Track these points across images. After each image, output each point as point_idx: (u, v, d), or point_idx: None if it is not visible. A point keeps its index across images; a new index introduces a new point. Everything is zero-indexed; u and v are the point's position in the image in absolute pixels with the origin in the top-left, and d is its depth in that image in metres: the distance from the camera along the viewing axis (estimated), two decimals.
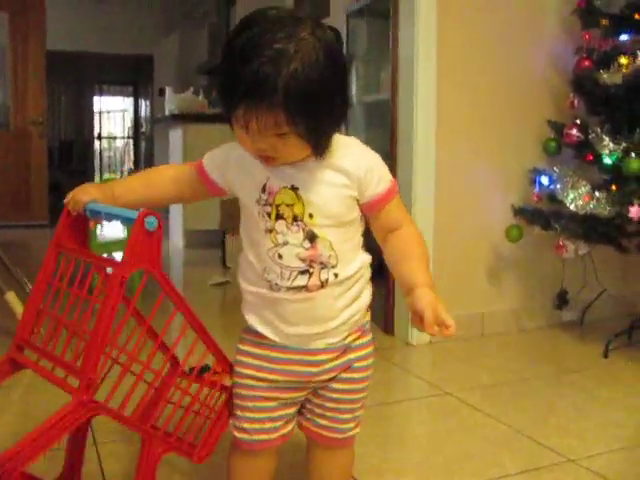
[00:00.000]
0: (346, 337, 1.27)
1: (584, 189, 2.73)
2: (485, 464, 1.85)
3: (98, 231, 3.95)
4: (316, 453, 1.39)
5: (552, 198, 2.87)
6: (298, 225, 1.19)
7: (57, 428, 1.07)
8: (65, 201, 1.28)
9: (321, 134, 1.14)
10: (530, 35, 3.10)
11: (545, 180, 2.90)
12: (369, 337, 1.34)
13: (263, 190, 1.20)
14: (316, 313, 1.22)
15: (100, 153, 13.88)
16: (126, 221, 1.17)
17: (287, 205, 1.19)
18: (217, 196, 1.34)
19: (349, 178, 1.20)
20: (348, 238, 1.23)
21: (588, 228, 2.72)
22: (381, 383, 2.50)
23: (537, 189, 2.94)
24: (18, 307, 2.85)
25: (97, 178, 12.72)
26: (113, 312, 1.11)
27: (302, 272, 1.20)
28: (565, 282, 3.18)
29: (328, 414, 1.32)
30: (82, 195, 1.26)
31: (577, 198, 2.72)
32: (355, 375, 1.31)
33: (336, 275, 1.21)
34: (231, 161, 1.26)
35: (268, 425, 1.29)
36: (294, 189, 1.19)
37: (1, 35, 7.23)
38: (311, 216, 1.18)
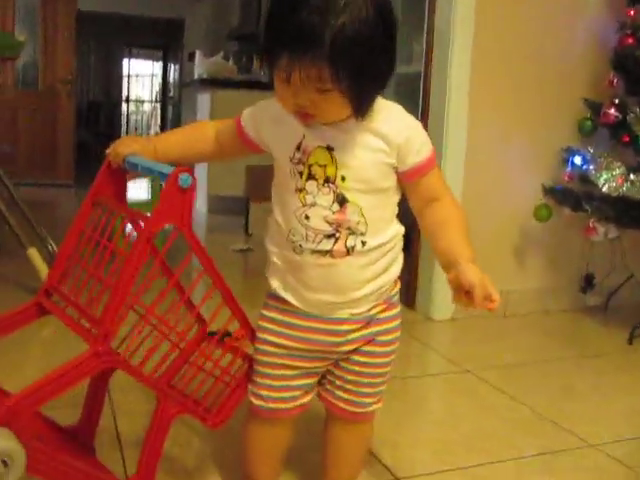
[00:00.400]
0: (371, 308, 1.24)
1: (618, 171, 2.66)
2: (502, 444, 1.83)
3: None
4: (334, 426, 1.36)
5: (584, 179, 2.81)
6: (329, 187, 1.15)
7: (72, 375, 1.07)
8: (107, 152, 1.26)
9: (364, 94, 1.10)
10: (571, 10, 3.01)
11: (578, 160, 2.84)
12: (396, 310, 1.30)
13: (298, 148, 1.17)
14: (339, 281, 1.19)
15: (127, 116, 13.90)
16: (160, 176, 1.15)
17: (320, 165, 1.15)
18: (254, 153, 1.31)
19: (388, 144, 1.15)
20: (380, 206, 1.19)
21: (620, 211, 2.66)
22: (400, 357, 2.42)
23: (569, 169, 2.87)
24: (39, 263, 2.85)
25: None
26: (138, 265, 1.10)
27: (328, 236, 1.16)
28: (592, 265, 3.13)
29: (348, 387, 1.29)
30: (123, 147, 1.24)
31: (610, 180, 2.66)
32: (378, 349, 1.27)
33: (364, 243, 1.17)
34: (267, 117, 1.23)
35: (286, 394, 1.27)
36: (329, 149, 1.15)
37: None
38: (343, 179, 1.15)
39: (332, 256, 1.17)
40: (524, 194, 3.01)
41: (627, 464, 1.75)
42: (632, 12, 2.80)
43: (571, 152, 2.89)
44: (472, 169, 2.90)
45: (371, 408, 1.32)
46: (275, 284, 1.26)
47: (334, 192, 1.15)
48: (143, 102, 14.15)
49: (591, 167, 2.75)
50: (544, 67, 2.99)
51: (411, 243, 2.99)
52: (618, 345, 2.74)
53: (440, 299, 2.91)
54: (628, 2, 2.83)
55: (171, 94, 12.59)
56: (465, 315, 2.95)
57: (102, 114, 12.67)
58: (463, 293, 1.14)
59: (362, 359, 1.26)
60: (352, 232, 1.17)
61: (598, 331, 2.95)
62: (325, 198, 1.16)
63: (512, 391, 2.19)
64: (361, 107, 1.11)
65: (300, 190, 1.17)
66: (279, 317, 1.26)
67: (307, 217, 1.17)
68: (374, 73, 1.08)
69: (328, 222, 1.16)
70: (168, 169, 1.12)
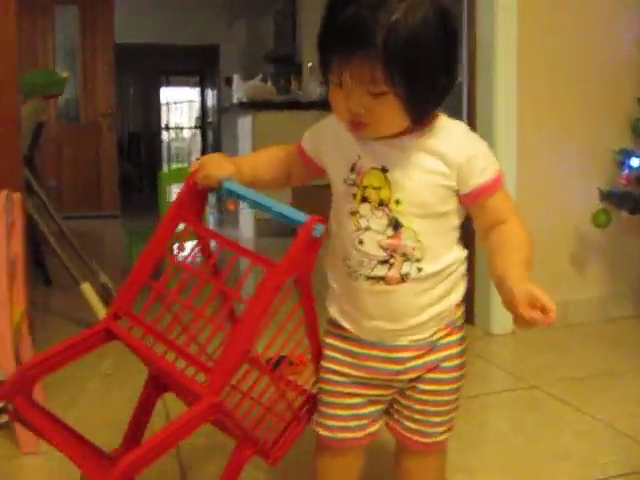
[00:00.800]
0: (432, 334, 1.18)
1: None
2: (581, 464, 1.74)
3: None
4: (405, 457, 1.30)
5: None
6: (383, 210, 1.11)
7: (183, 430, 0.98)
8: (192, 169, 1.20)
9: (421, 101, 1.04)
10: (613, 10, 2.94)
11: (635, 162, 2.75)
12: (459, 335, 1.22)
13: (352, 169, 1.13)
14: (395, 308, 1.14)
15: (168, 144, 14.07)
16: (288, 220, 1.07)
17: (374, 188, 1.11)
18: (318, 175, 1.27)
19: (448, 165, 1.09)
20: (439, 231, 1.13)
21: None
22: None
23: (626, 171, 2.78)
24: (93, 298, 2.85)
25: (165, 167, 12.88)
26: (262, 315, 1.02)
27: (382, 262, 1.12)
28: None
29: (416, 417, 1.22)
30: (216, 170, 1.19)
31: None
32: (443, 376, 1.21)
33: (419, 269, 1.12)
34: (325, 136, 1.21)
35: (353, 423, 1.22)
36: (384, 171, 1.10)
37: (71, 29, 7.34)
38: (398, 202, 1.10)
39: (386, 283, 1.12)
40: (579, 199, 2.93)
41: None
42: None
43: (626, 154, 2.80)
44: (524, 176, 2.83)
45: (441, 437, 1.26)
46: (332, 309, 1.22)
47: (388, 215, 1.11)
48: (182, 129, 14.32)
49: None
50: (591, 68, 2.92)
51: (468, 257, 2.92)
52: None
53: (499, 313, 2.83)
54: None
55: (210, 119, 12.71)
56: (526, 329, 2.86)
57: (143, 144, 12.84)
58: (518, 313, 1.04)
59: (427, 387, 1.20)
60: (407, 258, 1.12)
61: None
62: (379, 222, 1.11)
63: (583, 405, 2.10)
64: (419, 115, 1.06)
65: (354, 213, 1.13)
66: (339, 344, 1.22)
67: (361, 242, 1.13)
68: (432, 78, 1.02)
69: (382, 247, 1.12)
70: (299, 216, 1.06)
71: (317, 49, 1.06)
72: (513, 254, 1.10)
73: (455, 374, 1.22)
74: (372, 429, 1.24)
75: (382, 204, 1.11)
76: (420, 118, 1.07)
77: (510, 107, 2.78)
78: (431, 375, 1.20)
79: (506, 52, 2.76)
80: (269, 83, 5.75)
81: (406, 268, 1.12)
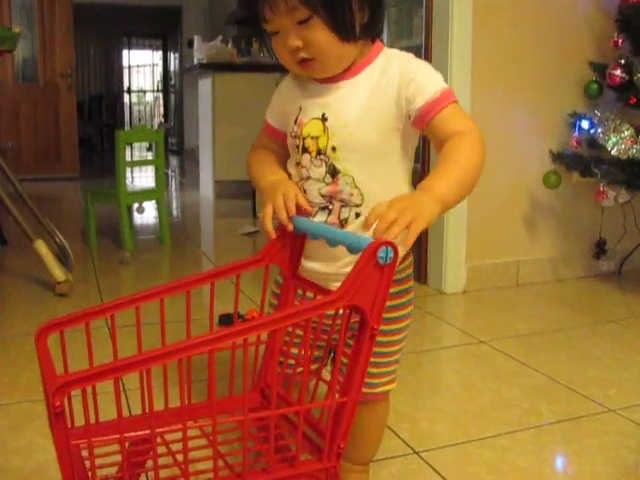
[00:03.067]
0: None
1: (627, 133, 2.62)
2: (521, 412, 1.80)
3: (128, 181, 3.93)
4: None
5: (592, 143, 2.77)
6: (321, 159, 1.13)
7: None
8: (269, 228, 1.10)
9: (345, 20, 1.05)
10: None
11: (585, 124, 2.80)
12: (399, 288, 1.21)
13: (295, 122, 1.16)
14: (331, 252, 1.11)
15: (130, 107, 13.87)
16: (351, 248, 0.97)
17: (312, 138, 1.13)
18: None
19: (389, 99, 1.10)
20: (380, 175, 1.13)
21: (631, 174, 2.62)
22: (414, 331, 2.43)
23: (577, 133, 2.83)
24: (47, 255, 2.84)
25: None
26: (365, 367, 0.94)
27: (322, 208, 1.14)
28: (604, 231, 3.09)
29: None
30: (287, 208, 1.10)
31: (619, 142, 2.62)
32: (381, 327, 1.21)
33: (357, 215, 1.13)
34: (280, 99, 1.24)
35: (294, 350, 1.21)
36: (323, 119, 1.12)
37: None
38: (334, 149, 1.12)
39: None
40: (532, 161, 2.97)
41: None
42: None
43: (578, 116, 2.85)
44: None
45: (380, 389, 1.26)
46: None
47: (325, 163, 1.13)
48: (145, 92, 14.12)
49: (599, 131, 2.71)
50: (546, 31, 2.94)
51: None
52: (633, 309, 2.71)
53: (451, 272, 2.89)
54: None
55: (172, 82, 12.54)
56: (477, 287, 2.92)
57: (104, 106, 12.64)
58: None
59: None
60: (345, 204, 1.13)
61: (612, 296, 2.91)
62: (317, 170, 1.14)
63: (528, 360, 2.17)
64: (345, 33, 1.06)
65: (298, 164, 1.16)
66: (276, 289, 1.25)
67: (305, 190, 1.15)
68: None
69: (322, 195, 1.14)
70: (360, 241, 0.92)
71: (245, 8, 1.10)
72: (439, 166, 1.05)
73: (394, 326, 1.21)
74: (314, 365, 1.21)
75: (320, 153, 1.13)
76: (348, 29, 1.06)
77: (464, 71, 2.79)
78: None
79: (461, 16, 2.76)
80: (230, 45, 5.68)
81: (344, 214, 1.13)
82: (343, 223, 1.14)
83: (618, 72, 2.69)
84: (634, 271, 3.16)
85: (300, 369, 1.08)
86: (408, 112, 1.10)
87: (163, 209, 3.91)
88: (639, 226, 3.07)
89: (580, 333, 2.46)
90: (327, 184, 1.13)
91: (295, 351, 1.13)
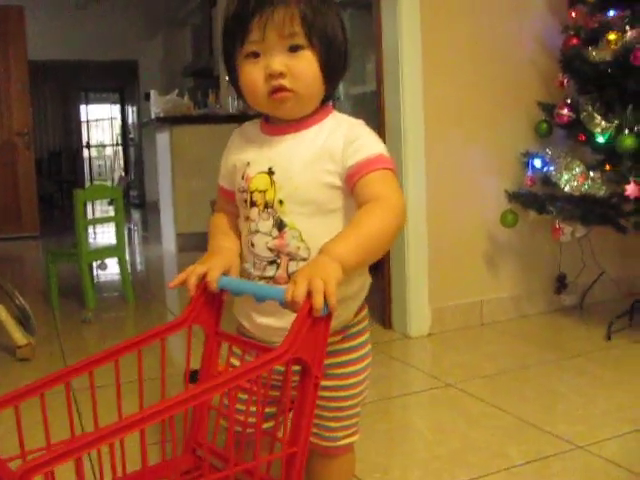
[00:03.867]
0: None
1: (578, 169, 2.68)
2: (491, 455, 1.80)
3: (90, 239, 3.90)
4: (311, 459, 1.28)
5: (546, 181, 2.82)
6: (268, 212, 1.13)
7: None
8: (193, 284, 1.09)
9: (331, 59, 1.11)
10: (515, 16, 3.05)
11: (538, 163, 2.85)
12: (354, 342, 1.21)
13: (242, 177, 1.17)
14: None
15: (90, 162, 13.83)
16: (279, 300, 0.99)
17: (260, 191, 1.14)
18: None
19: (334, 161, 1.11)
20: (324, 231, 1.09)
21: (585, 209, 2.67)
22: (381, 377, 2.45)
23: (530, 172, 2.89)
24: (7, 320, 2.79)
25: (88, 185, 12.64)
26: (311, 417, 0.96)
27: (270, 262, 1.14)
28: (563, 266, 3.14)
29: (315, 421, 1.17)
30: (214, 274, 1.10)
31: (572, 179, 2.67)
32: (333, 383, 1.19)
33: None
34: (229, 158, 1.23)
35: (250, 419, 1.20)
36: (270, 173, 1.13)
37: None
38: (281, 202, 1.12)
39: (275, 282, 1.13)
40: (489, 201, 3.01)
41: (617, 462, 1.73)
42: (573, 13, 2.84)
43: (530, 155, 2.91)
44: (434, 182, 2.90)
45: (343, 442, 1.25)
46: (235, 309, 1.24)
47: (273, 217, 1.13)
48: (105, 146, 14.10)
49: (551, 168, 2.76)
50: (496, 73, 3.02)
51: (382, 262, 2.97)
52: (597, 342, 2.74)
53: (415, 316, 2.90)
54: (569, 4, 2.87)
55: (131, 136, 12.55)
56: (442, 329, 2.94)
57: (64, 162, 12.59)
58: None
59: (322, 394, 1.10)
60: (292, 258, 1.13)
61: (576, 330, 2.94)
62: (265, 224, 1.14)
63: (495, 400, 2.17)
64: (331, 76, 1.12)
65: (247, 218, 1.17)
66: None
67: (253, 244, 1.15)
68: (338, 43, 1.12)
69: (269, 248, 1.14)
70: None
71: (229, 25, 1.11)
72: (346, 229, 1.06)
73: (349, 381, 1.21)
74: (266, 425, 1.18)
75: (267, 206, 1.13)
76: (330, 85, 1.13)
77: (417, 115, 2.85)
78: (324, 382, 1.13)
79: (411, 61, 2.82)
80: (186, 97, 5.72)
81: (292, 267, 1.13)
82: (290, 277, 1.11)
83: (565, 111, 2.76)
84: (595, 304, 3.20)
85: (250, 430, 1.05)
86: (346, 170, 1.11)
87: (125, 266, 3.88)
88: (597, 259, 3.13)
89: (546, 369, 2.48)
90: (274, 238, 1.13)
91: (241, 407, 1.08)
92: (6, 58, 7.18)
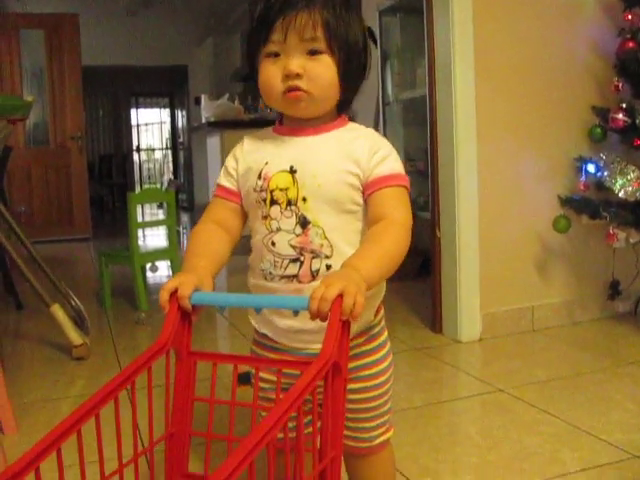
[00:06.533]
0: None
1: (633, 175, 2.65)
2: (545, 461, 1.79)
3: (140, 242, 3.96)
4: (351, 462, 1.33)
5: (600, 186, 2.79)
6: (291, 210, 1.14)
7: None
8: (165, 299, 1.05)
9: (352, 70, 1.15)
10: (569, 20, 3.02)
11: (592, 168, 2.82)
12: (377, 342, 1.25)
13: (259, 176, 1.17)
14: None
15: (140, 165, 14.05)
16: (290, 307, 1.02)
17: (281, 190, 1.15)
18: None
19: (357, 164, 1.14)
20: (348, 230, 1.15)
21: (639, 215, 2.63)
22: (432, 382, 2.45)
23: (584, 177, 2.86)
24: (64, 319, 2.86)
25: (137, 189, 12.85)
26: (344, 418, 0.96)
27: (293, 260, 1.15)
28: (617, 272, 3.09)
29: (349, 424, 1.21)
30: (185, 289, 1.05)
31: (626, 184, 2.64)
32: (361, 385, 1.22)
33: (328, 267, 1.14)
34: (239, 159, 1.23)
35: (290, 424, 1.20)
36: (292, 172, 1.15)
37: (38, 53, 7.34)
38: (305, 200, 1.14)
39: (299, 281, 1.15)
40: (542, 206, 2.99)
41: None
42: (629, 16, 2.80)
43: (584, 161, 2.87)
44: (486, 187, 2.89)
45: (378, 440, 1.28)
46: (251, 315, 1.25)
47: (296, 214, 1.14)
48: (154, 150, 14.31)
49: (605, 174, 2.73)
50: (548, 78, 2.99)
51: (433, 267, 2.97)
52: None
53: (466, 321, 2.89)
54: (625, 7, 2.83)
55: (181, 140, 12.72)
56: (493, 335, 2.92)
57: (114, 166, 12.83)
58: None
59: (350, 397, 1.16)
60: (316, 255, 1.14)
61: (630, 338, 2.90)
62: (288, 222, 1.15)
63: (548, 407, 2.15)
64: (348, 84, 1.15)
65: (265, 217, 1.17)
66: (258, 351, 1.26)
67: (273, 243, 1.16)
68: (358, 52, 1.16)
69: (292, 246, 1.15)
70: (304, 299, 0.95)
71: (255, 24, 1.15)
72: (366, 248, 1.08)
73: (378, 380, 1.24)
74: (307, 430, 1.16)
75: (290, 204, 1.14)
76: (347, 92, 1.16)
77: (469, 120, 2.84)
78: (352, 385, 1.18)
79: (463, 66, 2.81)
80: (236, 102, 5.79)
81: (316, 265, 1.14)
82: (314, 274, 1.14)
83: (620, 116, 2.73)
84: None
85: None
86: (366, 178, 1.15)
87: (177, 268, 3.94)
88: None
89: (600, 377, 2.45)
90: (297, 235, 1.14)
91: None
92: (61, 64, 7.35)
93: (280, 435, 0.83)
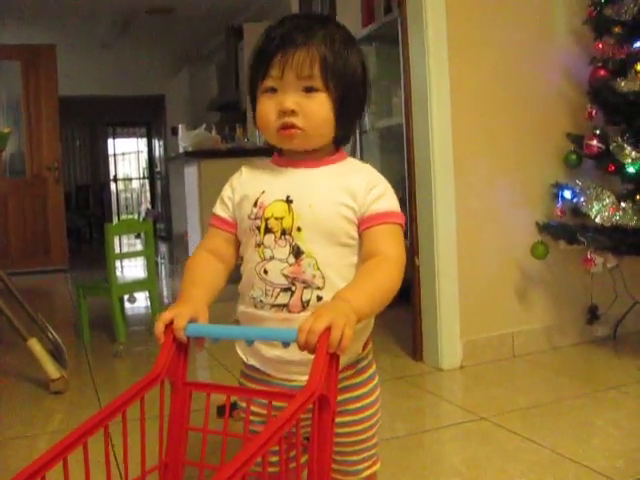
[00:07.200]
0: None
1: (608, 200, 2.67)
2: None
3: (118, 273, 3.93)
4: None
5: (576, 211, 2.82)
6: (286, 239, 1.15)
7: None
8: (160, 331, 1.08)
9: (348, 108, 1.15)
10: (542, 50, 3.06)
11: (568, 194, 2.85)
12: (365, 376, 1.25)
13: (255, 204, 1.18)
14: None
15: (117, 195, 13.99)
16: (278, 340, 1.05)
17: (276, 218, 1.15)
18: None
19: (353, 198, 1.15)
20: (340, 262, 1.16)
21: (616, 240, 2.66)
22: (413, 411, 2.44)
23: (560, 203, 2.88)
24: (41, 353, 2.82)
25: (115, 219, 12.79)
26: (331, 449, 0.96)
27: (285, 289, 1.15)
28: (595, 297, 3.11)
29: (336, 458, 1.19)
30: (180, 321, 1.07)
31: (602, 210, 2.66)
32: (349, 418, 1.21)
33: (319, 298, 1.14)
34: (235, 188, 1.24)
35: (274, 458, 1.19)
36: (288, 202, 1.15)
37: (14, 84, 7.32)
38: (299, 230, 1.14)
39: (289, 310, 1.14)
40: (520, 233, 3.01)
41: None
42: (600, 45, 2.85)
43: (560, 187, 2.91)
44: (464, 214, 2.91)
45: (364, 474, 1.27)
46: (239, 347, 1.24)
47: (290, 244, 1.14)
48: (131, 180, 14.27)
49: (582, 199, 2.76)
50: (524, 106, 3.03)
51: (413, 294, 2.97)
52: (632, 374, 2.71)
53: (447, 348, 2.89)
54: (595, 36, 2.88)
55: (158, 169, 12.69)
56: (474, 362, 2.92)
57: (91, 196, 12.76)
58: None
59: (337, 430, 1.11)
60: (307, 286, 1.14)
61: (610, 362, 2.91)
62: (281, 250, 1.15)
63: (531, 434, 2.15)
64: (343, 123, 1.16)
65: (259, 245, 1.17)
66: (246, 383, 1.24)
67: (266, 271, 1.16)
68: (356, 91, 1.17)
69: (285, 275, 1.14)
70: (293, 331, 0.95)
71: (255, 58, 1.17)
72: (356, 278, 1.10)
73: (365, 414, 1.23)
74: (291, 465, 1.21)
75: (284, 233, 1.15)
76: (343, 127, 1.17)
77: (446, 148, 2.86)
78: (340, 419, 1.15)
79: (440, 94, 2.84)
80: (214, 131, 5.79)
81: (307, 295, 1.14)
82: (305, 305, 1.14)
83: (594, 142, 2.77)
84: (629, 335, 3.17)
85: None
86: (362, 213, 1.15)
87: (156, 299, 3.91)
88: (629, 290, 3.10)
89: (581, 402, 2.45)
90: (290, 265, 1.14)
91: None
92: (38, 95, 7.33)
93: (256, 468, 0.83)
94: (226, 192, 1.26)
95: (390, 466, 1.95)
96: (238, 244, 1.24)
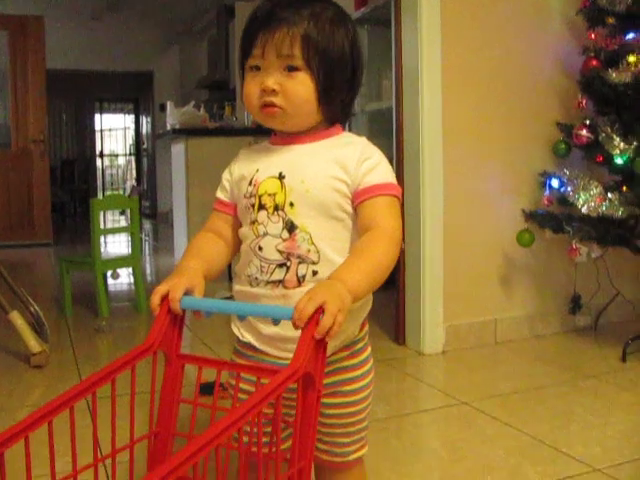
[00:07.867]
0: (329, 356, 1.13)
1: (595, 190, 2.68)
2: (508, 475, 1.80)
3: (102, 249, 3.91)
4: (322, 474, 1.31)
5: (563, 201, 2.82)
6: (278, 214, 1.14)
7: None
8: (156, 303, 1.06)
9: (331, 89, 1.13)
10: (535, 38, 3.06)
11: (555, 183, 2.86)
12: (360, 358, 1.23)
13: (250, 183, 1.18)
14: None
15: (102, 171, 13.90)
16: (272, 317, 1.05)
17: (269, 195, 1.15)
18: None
19: (345, 171, 1.13)
20: (334, 236, 1.14)
21: (601, 230, 2.67)
22: (395, 394, 2.45)
23: (547, 192, 2.89)
24: (22, 326, 2.80)
25: (100, 195, 12.72)
26: (315, 429, 0.95)
27: (280, 265, 1.14)
28: (578, 286, 3.13)
29: (325, 439, 1.22)
30: (176, 293, 1.06)
31: (589, 200, 2.67)
32: (342, 399, 1.20)
33: (314, 273, 1.13)
34: (233, 171, 1.24)
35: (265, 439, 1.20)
36: (280, 178, 1.15)
37: (1, 54, 7.22)
38: (292, 205, 1.13)
39: (285, 286, 1.14)
40: (506, 221, 3.02)
41: None
42: (593, 35, 2.85)
43: (548, 176, 2.91)
44: (451, 200, 2.91)
45: (353, 456, 1.27)
46: (234, 321, 1.23)
47: (283, 219, 1.14)
48: (117, 156, 14.18)
49: (569, 189, 2.76)
50: (515, 93, 3.03)
51: (397, 278, 2.97)
52: (612, 364, 2.73)
53: (430, 333, 2.90)
54: (589, 26, 2.88)
55: (145, 146, 12.61)
56: (456, 347, 2.93)
57: (76, 171, 12.67)
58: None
59: (331, 411, 1.20)
60: (302, 260, 1.13)
61: (591, 351, 2.93)
62: (275, 226, 1.14)
63: (512, 419, 2.16)
64: (326, 102, 1.14)
65: (253, 222, 1.17)
66: (239, 361, 1.23)
67: (260, 248, 1.15)
68: (340, 71, 1.14)
69: (279, 251, 1.14)
70: (288, 310, 0.95)
71: (241, 38, 1.15)
72: (350, 257, 1.08)
73: (357, 397, 1.22)
74: (284, 446, 1.18)
75: (277, 208, 1.14)
76: (329, 97, 1.14)
77: (435, 133, 2.86)
78: (331, 400, 1.18)
79: (431, 79, 2.84)
80: (202, 109, 5.75)
81: (302, 270, 1.13)
82: (300, 280, 1.13)
83: (584, 132, 2.77)
84: (610, 325, 3.19)
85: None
86: (355, 186, 1.14)
87: (139, 276, 3.89)
88: (612, 281, 3.12)
89: (561, 390, 2.47)
90: (284, 240, 1.14)
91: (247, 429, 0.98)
92: (25, 66, 7.25)
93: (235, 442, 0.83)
94: (225, 175, 1.26)
95: (370, 448, 1.94)
96: (238, 226, 1.23)
